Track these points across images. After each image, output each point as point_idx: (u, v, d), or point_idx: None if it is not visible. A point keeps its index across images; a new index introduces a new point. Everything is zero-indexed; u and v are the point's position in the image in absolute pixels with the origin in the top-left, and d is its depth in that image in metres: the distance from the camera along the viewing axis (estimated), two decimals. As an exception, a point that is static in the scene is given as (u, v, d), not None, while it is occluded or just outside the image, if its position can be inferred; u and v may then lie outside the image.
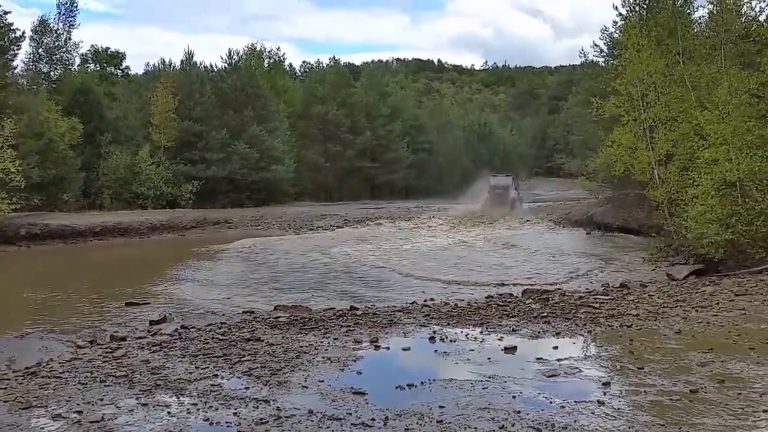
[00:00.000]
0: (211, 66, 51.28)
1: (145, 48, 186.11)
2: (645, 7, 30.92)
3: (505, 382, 6.98)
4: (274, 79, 55.36)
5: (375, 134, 56.83)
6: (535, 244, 23.92)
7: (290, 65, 76.14)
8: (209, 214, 34.02)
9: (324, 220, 34.07)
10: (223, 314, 11.95)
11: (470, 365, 7.70)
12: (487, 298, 13.01)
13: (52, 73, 41.14)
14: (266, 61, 58.80)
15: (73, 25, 41.75)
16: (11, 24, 33.63)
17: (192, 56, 47.13)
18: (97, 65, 52.29)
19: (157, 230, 29.54)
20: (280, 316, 11.15)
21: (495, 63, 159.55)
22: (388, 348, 8.69)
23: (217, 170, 41.26)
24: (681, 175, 18.07)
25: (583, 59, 44.16)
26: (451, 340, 8.95)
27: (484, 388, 6.74)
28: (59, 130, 33.60)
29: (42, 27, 40.29)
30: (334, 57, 66.68)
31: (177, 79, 42.63)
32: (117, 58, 53.45)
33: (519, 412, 6.02)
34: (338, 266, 19.31)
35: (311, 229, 31.04)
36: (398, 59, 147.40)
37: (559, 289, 14.22)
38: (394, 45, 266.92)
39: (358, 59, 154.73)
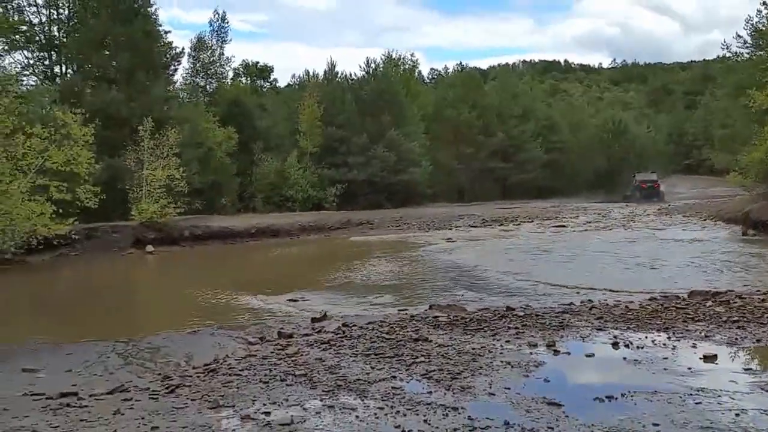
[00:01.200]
0: (351, 74, 53.06)
1: (286, 62, 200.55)
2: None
3: (720, 396, 6.12)
4: (409, 84, 56.18)
5: (508, 135, 56.45)
6: (688, 243, 21.93)
7: (419, 72, 77.18)
8: (352, 216, 34.81)
9: (462, 220, 33.60)
10: (380, 312, 11.78)
11: (669, 375, 6.87)
12: (650, 299, 11.85)
13: (208, 87, 44.35)
14: (401, 68, 60.02)
15: (225, 40, 44.98)
16: (171, 42, 37.31)
17: (334, 67, 49.47)
18: (248, 78, 55.43)
19: (306, 231, 30.78)
20: (438, 316, 10.77)
21: (624, 60, 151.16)
22: (568, 353, 7.99)
23: (358, 173, 42.86)
24: None
25: (725, 52, 40.72)
26: (637, 347, 8.10)
27: (697, 403, 5.91)
28: (216, 139, 36.54)
29: (199, 44, 43.62)
30: (460, 63, 67.14)
31: (321, 89, 44.66)
32: (266, 71, 56.84)
33: (750, 432, 5.20)
34: (483, 265, 18.57)
35: (450, 229, 30.63)
36: (524, 61, 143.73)
37: (731, 291, 12.69)
38: (520, 48, 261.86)
39: (484, 64, 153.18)
